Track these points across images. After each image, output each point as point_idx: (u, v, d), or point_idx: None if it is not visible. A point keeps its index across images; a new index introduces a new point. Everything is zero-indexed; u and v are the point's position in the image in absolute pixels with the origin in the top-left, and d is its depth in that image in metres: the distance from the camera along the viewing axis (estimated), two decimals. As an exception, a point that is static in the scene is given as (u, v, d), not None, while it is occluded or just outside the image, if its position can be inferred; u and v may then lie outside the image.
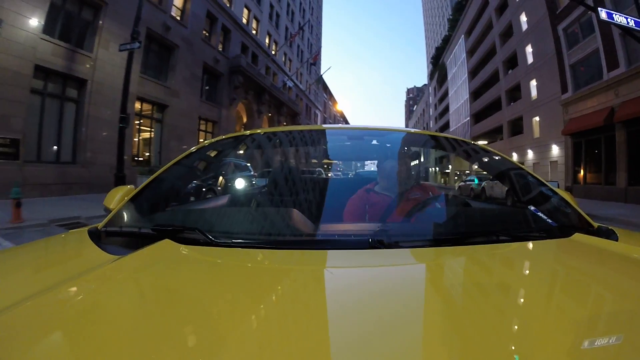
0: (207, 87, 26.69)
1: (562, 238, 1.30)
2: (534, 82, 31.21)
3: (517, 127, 35.52)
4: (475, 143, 2.26)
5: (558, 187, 2.23)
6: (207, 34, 26.57)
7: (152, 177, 1.75)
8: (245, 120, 34.12)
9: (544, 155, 29.81)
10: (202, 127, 26.08)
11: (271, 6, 40.47)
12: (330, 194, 1.76)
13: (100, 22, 16.58)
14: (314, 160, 2.50)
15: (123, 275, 0.96)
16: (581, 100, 23.15)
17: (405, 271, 1.05)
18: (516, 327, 0.74)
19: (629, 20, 12.90)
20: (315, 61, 50.69)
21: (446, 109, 68.69)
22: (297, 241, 1.24)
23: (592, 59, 21.93)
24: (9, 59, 12.74)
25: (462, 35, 52.25)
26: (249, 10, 34.40)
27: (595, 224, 1.52)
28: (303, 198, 1.66)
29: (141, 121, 20.22)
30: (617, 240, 1.36)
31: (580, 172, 24.29)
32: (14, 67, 12.95)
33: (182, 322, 0.73)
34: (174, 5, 22.54)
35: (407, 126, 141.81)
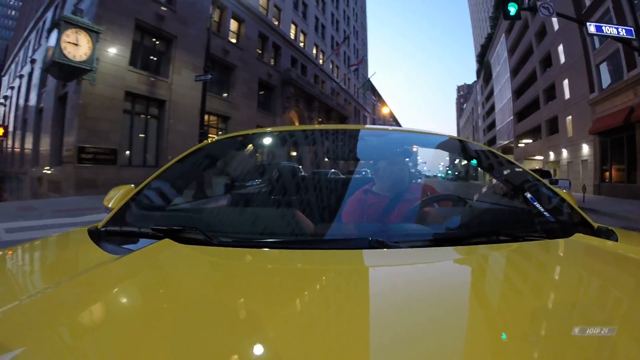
0: (262, 99, 29.35)
1: (562, 238, 1.28)
2: (566, 82, 31.42)
3: (554, 126, 35.05)
4: (476, 143, 2.21)
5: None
6: (260, 52, 29.43)
7: (152, 176, 1.75)
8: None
9: (576, 155, 29.54)
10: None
11: (316, 19, 42.41)
12: (330, 194, 1.75)
13: (173, 52, 19.90)
14: (311, 161, 2.45)
15: (123, 275, 0.95)
16: (606, 100, 23.09)
17: (404, 271, 1.03)
18: (517, 327, 0.72)
19: (619, 30, 13.07)
20: (357, 67, 51.99)
21: (492, 108, 66.93)
22: (296, 241, 1.23)
23: (615, 58, 21.99)
24: (106, 89, 16.15)
25: (503, 34, 51.02)
26: (296, 26, 36.87)
27: (595, 224, 1.50)
28: (302, 198, 1.65)
29: (209, 131, 23.10)
30: (617, 240, 1.34)
31: (606, 170, 24.21)
32: (110, 94, 16.39)
33: (182, 322, 0.72)
34: (231, 31, 25.59)
35: (458, 125, 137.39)
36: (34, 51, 26.72)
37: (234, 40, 25.96)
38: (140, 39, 18.67)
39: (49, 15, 24.45)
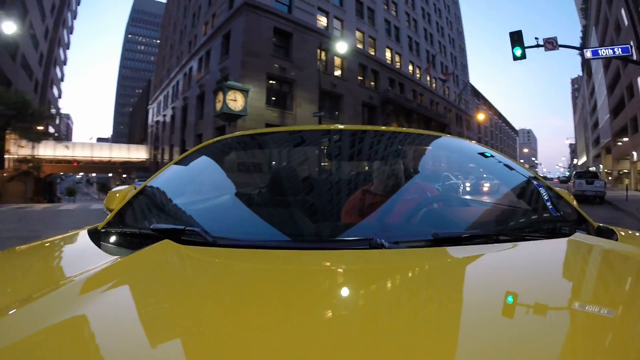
0: (366, 117, 34.54)
1: (562, 238, 1.27)
2: (639, 80, 30.32)
3: (635, 125, 33.39)
4: (475, 142, 2.15)
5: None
6: (361, 79, 34.85)
7: (152, 177, 1.75)
8: (399, 137, 40.68)
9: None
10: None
11: (409, 38, 45.69)
12: (329, 194, 1.76)
13: (294, 92, 26.52)
14: (311, 161, 2.36)
15: (123, 276, 0.95)
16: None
17: (405, 272, 1.04)
18: (517, 326, 0.72)
19: (615, 49, 13.37)
20: (453, 77, 52.25)
21: (596, 104, 61.41)
22: (296, 242, 1.24)
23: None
24: (252, 123, 22.80)
25: (593, 27, 48.33)
26: (391, 50, 41.29)
27: (595, 224, 1.50)
28: (302, 199, 1.66)
29: (324, 149, 29.78)
30: (617, 240, 1.34)
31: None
32: (255, 127, 22.79)
33: (182, 322, 0.72)
34: (335, 66, 31.53)
35: (574, 121, 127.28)
36: (184, 91, 36.35)
37: (338, 73, 31.70)
38: (271, 85, 25.55)
39: (194, 64, 33.80)
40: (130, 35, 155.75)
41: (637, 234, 1.50)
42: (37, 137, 25.65)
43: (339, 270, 1.04)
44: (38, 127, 27.18)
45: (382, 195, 1.72)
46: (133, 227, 1.43)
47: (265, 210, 1.65)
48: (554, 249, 1.22)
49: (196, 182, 2.00)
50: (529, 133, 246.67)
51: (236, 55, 24.68)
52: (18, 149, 27.33)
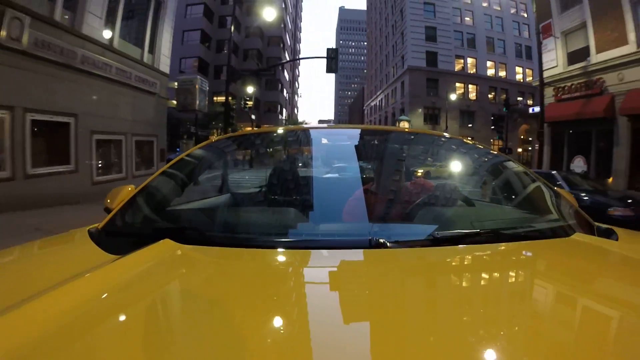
0: (495, 124, 46.47)
1: (562, 238, 1.30)
2: None
3: None
4: (473, 142, 2.23)
5: None
6: (492, 96, 48.44)
7: (152, 176, 1.75)
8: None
9: None
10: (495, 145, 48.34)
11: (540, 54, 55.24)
12: (329, 194, 1.77)
13: (440, 114, 43.06)
14: (311, 161, 2.21)
15: (123, 275, 0.95)
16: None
17: (405, 271, 1.07)
18: (516, 326, 0.75)
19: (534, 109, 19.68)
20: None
21: None
22: (296, 241, 1.24)
23: None
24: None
25: None
26: (522, 67, 52.23)
27: (595, 224, 1.52)
28: (301, 198, 1.65)
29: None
30: (617, 239, 1.36)
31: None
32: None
33: (182, 321, 0.74)
34: (469, 91, 46.57)
35: None
36: (385, 107, 57.54)
37: (472, 95, 46.48)
38: (426, 111, 42.26)
39: (389, 90, 53.33)
40: (341, 42, 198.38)
41: (637, 234, 1.51)
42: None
43: (340, 269, 1.05)
44: None
45: (383, 194, 1.71)
46: (133, 227, 1.46)
47: (266, 210, 1.68)
48: (554, 248, 1.23)
49: (197, 182, 1.95)
50: None
51: (406, 98, 42.56)
52: None
